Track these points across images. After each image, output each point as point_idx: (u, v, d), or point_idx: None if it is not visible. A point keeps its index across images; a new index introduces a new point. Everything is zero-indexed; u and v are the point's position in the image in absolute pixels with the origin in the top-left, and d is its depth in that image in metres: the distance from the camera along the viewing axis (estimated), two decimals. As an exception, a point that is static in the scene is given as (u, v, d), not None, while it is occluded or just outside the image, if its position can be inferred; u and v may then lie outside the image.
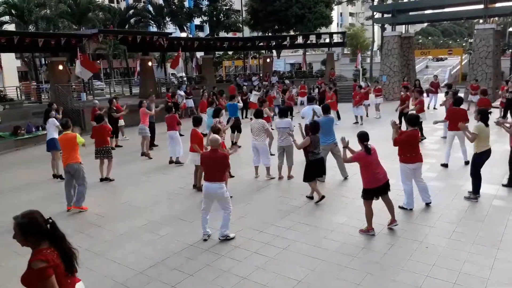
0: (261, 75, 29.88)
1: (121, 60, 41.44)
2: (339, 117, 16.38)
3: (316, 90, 24.53)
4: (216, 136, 6.22)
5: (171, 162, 11.10)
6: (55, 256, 2.90)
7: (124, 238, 6.54)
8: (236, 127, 12.61)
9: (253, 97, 17.78)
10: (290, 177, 9.16)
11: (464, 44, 65.48)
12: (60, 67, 19.09)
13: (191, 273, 5.30)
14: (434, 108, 19.08)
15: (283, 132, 8.92)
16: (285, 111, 9.44)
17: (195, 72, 29.96)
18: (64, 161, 7.68)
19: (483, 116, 7.35)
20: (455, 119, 9.18)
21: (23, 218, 2.91)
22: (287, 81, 26.91)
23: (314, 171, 7.57)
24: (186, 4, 34.75)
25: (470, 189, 7.58)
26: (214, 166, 5.95)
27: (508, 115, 14.92)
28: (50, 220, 2.99)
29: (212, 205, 6.23)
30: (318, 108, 9.80)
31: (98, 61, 44.32)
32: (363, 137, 6.00)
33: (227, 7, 33.33)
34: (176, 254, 5.85)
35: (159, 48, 24.02)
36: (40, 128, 15.59)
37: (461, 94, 13.19)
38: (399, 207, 7.00)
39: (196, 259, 5.66)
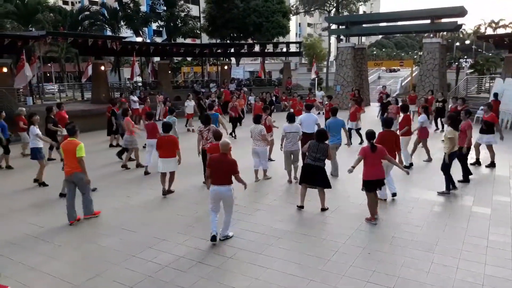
0: (219, 82, 29.82)
1: (74, 64, 39.89)
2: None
3: (274, 99, 24.88)
4: (227, 140, 6.33)
5: (146, 172, 10.41)
6: None
7: (61, 249, 6.20)
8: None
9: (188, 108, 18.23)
10: (296, 178, 9.22)
11: (415, 57, 68.47)
12: (5, 70, 18.03)
13: (131, 285, 5.10)
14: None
15: (292, 136, 9.04)
16: (293, 117, 9.25)
17: (151, 78, 29.43)
18: (67, 170, 7.16)
19: (452, 122, 8.23)
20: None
21: None
22: (245, 89, 27.03)
23: (303, 174, 7.64)
24: (144, 8, 34.16)
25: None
26: (223, 170, 6.13)
27: (439, 123, 16.47)
28: None
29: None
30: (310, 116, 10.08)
31: (49, 64, 42.50)
32: (370, 136, 6.87)
33: (185, 13, 33.06)
34: (116, 265, 5.61)
35: (112, 52, 23.40)
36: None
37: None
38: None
39: (137, 271, 5.45)
